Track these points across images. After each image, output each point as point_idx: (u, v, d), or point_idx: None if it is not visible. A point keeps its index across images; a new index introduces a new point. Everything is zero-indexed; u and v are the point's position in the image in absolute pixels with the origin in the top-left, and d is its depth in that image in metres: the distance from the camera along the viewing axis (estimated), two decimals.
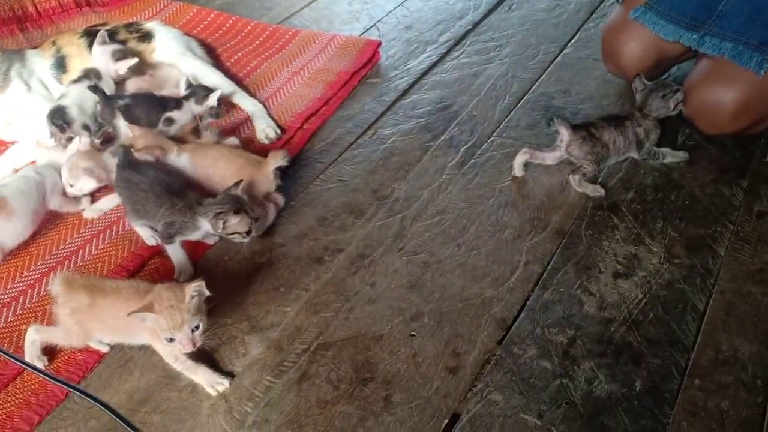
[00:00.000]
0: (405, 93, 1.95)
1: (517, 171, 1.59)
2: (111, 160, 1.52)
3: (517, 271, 1.37)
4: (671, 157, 1.62)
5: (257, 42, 2.20)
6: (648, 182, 1.58)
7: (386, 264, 1.41)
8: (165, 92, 1.83)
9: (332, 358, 1.23)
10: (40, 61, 1.81)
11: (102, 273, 1.38)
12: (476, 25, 2.26)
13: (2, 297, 1.34)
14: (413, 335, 1.26)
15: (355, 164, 1.70)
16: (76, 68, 1.80)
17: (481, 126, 1.80)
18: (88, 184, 1.51)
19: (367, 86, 2.00)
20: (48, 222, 1.51)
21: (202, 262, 1.45)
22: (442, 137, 1.77)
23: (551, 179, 1.59)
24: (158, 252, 1.44)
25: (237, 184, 1.39)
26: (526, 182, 1.60)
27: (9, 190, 1.42)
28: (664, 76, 1.85)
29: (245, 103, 1.85)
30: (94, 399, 1.04)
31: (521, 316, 1.28)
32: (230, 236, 1.36)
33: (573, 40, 2.15)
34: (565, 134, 1.54)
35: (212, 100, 1.72)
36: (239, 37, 2.23)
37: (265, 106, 1.86)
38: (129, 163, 1.45)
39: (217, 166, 1.51)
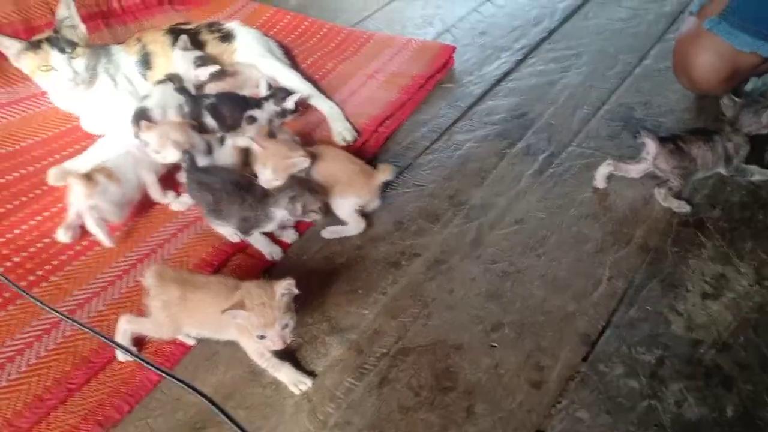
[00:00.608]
0: (480, 99, 1.93)
1: (600, 183, 1.55)
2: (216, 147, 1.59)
3: (601, 286, 1.34)
4: (760, 174, 1.56)
5: (333, 44, 2.21)
6: (735, 200, 1.52)
7: (464, 271, 1.40)
8: (245, 92, 1.86)
9: (412, 363, 1.22)
10: (125, 57, 1.85)
11: (187, 267, 1.40)
12: (552, 32, 2.22)
13: (92, 287, 1.38)
14: (494, 346, 1.24)
15: (430, 169, 1.69)
16: (160, 65, 1.85)
17: (559, 135, 1.76)
18: (172, 156, 1.53)
19: (441, 91, 1.99)
20: (135, 215, 1.55)
21: (281, 260, 1.46)
22: (519, 145, 1.74)
23: (634, 192, 1.55)
24: (241, 249, 1.46)
25: (302, 170, 1.45)
26: (607, 194, 1.56)
27: (112, 162, 1.52)
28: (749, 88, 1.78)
29: (322, 104, 1.86)
30: (190, 386, 1.06)
31: (606, 332, 1.24)
32: (308, 215, 1.39)
33: (652, 51, 2.09)
34: (652, 147, 1.49)
35: (290, 102, 1.74)
36: (315, 39, 2.24)
37: (341, 109, 1.86)
38: (197, 166, 1.49)
39: (331, 169, 1.51)
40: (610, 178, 1.56)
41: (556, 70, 2.03)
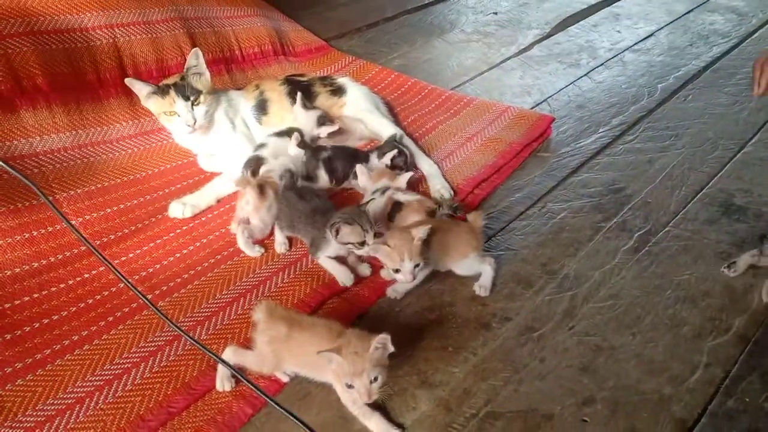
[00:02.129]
0: (576, 170, 1.94)
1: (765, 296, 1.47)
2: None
3: (698, 372, 1.29)
4: None
5: (433, 105, 2.28)
6: None
7: (556, 341, 1.38)
8: (350, 144, 1.94)
9: (501, 429, 1.20)
10: (244, 102, 1.97)
11: (285, 306, 1.45)
12: (651, 111, 2.22)
13: (197, 315, 1.44)
14: (585, 421, 1.21)
15: (523, 235, 1.70)
16: (275, 112, 1.96)
17: (656, 214, 1.74)
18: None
19: (537, 159, 2.01)
20: (240, 251, 1.63)
21: (374, 310, 1.48)
22: (615, 220, 1.73)
23: (734, 280, 1.51)
24: (337, 292, 1.50)
25: (368, 202, 1.56)
26: (705, 279, 1.52)
27: (275, 174, 1.68)
28: None
29: (422, 162, 1.92)
30: (294, 415, 1.09)
31: (703, 420, 1.20)
32: (346, 247, 1.48)
33: (754, 139, 2.06)
34: None
35: (387, 158, 1.81)
36: (416, 99, 2.33)
37: (439, 167, 1.91)
38: (294, 185, 1.64)
39: (440, 238, 1.51)
40: (704, 260, 1.53)
41: (653, 149, 2.02)
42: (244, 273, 1.56)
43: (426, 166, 1.90)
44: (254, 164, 1.75)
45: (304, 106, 1.93)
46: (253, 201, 1.62)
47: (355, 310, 1.47)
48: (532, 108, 2.29)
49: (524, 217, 1.76)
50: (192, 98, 1.77)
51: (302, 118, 1.91)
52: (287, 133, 1.86)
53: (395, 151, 1.81)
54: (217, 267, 1.59)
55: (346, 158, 1.79)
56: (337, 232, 1.46)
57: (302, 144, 1.80)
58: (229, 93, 1.99)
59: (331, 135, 1.92)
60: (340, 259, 1.55)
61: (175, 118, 1.78)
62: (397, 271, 1.41)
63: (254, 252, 1.60)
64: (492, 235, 1.69)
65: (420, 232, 1.40)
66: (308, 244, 1.57)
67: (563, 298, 1.49)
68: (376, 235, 1.48)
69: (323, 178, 1.78)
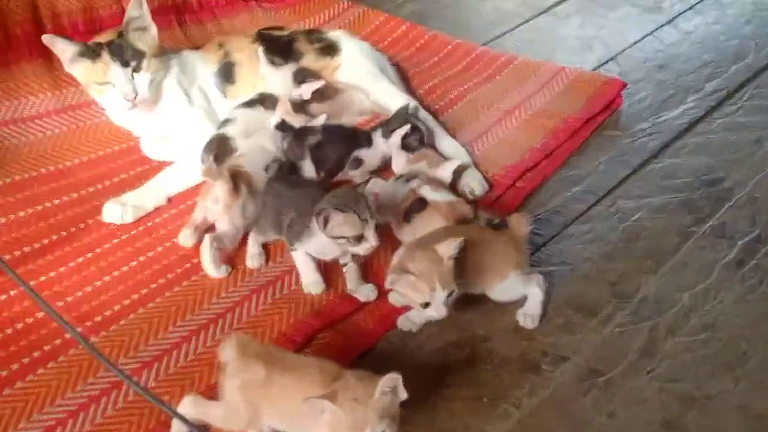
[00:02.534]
0: (656, 155, 1.96)
1: None
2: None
3: None
4: None
5: (459, 66, 2.31)
6: None
7: (630, 388, 1.40)
8: (345, 120, 1.97)
9: None
10: (202, 66, 2.00)
11: (262, 342, 1.47)
12: (759, 72, 2.24)
13: (142, 355, 1.46)
14: None
15: (584, 243, 1.72)
16: (244, 80, 1.99)
17: (767, 214, 1.76)
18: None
19: (602, 140, 2.03)
20: (199, 267, 1.65)
21: (382, 346, 1.50)
22: (710, 222, 1.75)
23: None
24: (331, 324, 1.53)
25: (366, 181, 1.56)
26: None
27: (251, 167, 1.70)
28: None
29: (444, 144, 1.94)
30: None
31: None
32: (338, 242, 1.48)
33: None
34: None
35: (396, 137, 1.83)
36: (436, 58, 2.35)
37: (468, 151, 1.93)
38: (283, 177, 1.69)
39: (474, 255, 1.52)
40: None
41: (763, 125, 2.04)
42: (205, 297, 1.58)
43: (450, 149, 1.92)
44: (217, 146, 1.78)
45: (271, 62, 1.96)
46: (224, 198, 1.64)
47: (355, 345, 1.49)
48: (595, 69, 2.31)
49: (585, 219, 1.78)
50: (133, 63, 1.79)
51: (274, 80, 1.94)
52: (260, 101, 1.89)
53: (407, 127, 1.83)
54: (168, 289, 1.61)
55: (341, 142, 1.81)
56: (326, 221, 1.46)
57: (282, 125, 1.82)
58: (183, 54, 2.02)
59: (318, 99, 1.94)
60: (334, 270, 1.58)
61: (109, 88, 1.80)
62: (426, 305, 1.41)
63: (220, 272, 1.63)
64: (541, 245, 1.71)
65: (450, 249, 1.39)
66: (284, 233, 1.60)
67: (639, 330, 1.51)
68: (377, 227, 1.49)
69: (308, 170, 1.80)
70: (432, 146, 1.91)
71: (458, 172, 1.81)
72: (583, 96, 2.12)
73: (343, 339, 1.50)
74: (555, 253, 1.69)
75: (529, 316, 1.52)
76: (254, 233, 1.68)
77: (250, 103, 1.89)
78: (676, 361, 1.44)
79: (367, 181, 1.58)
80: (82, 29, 2.08)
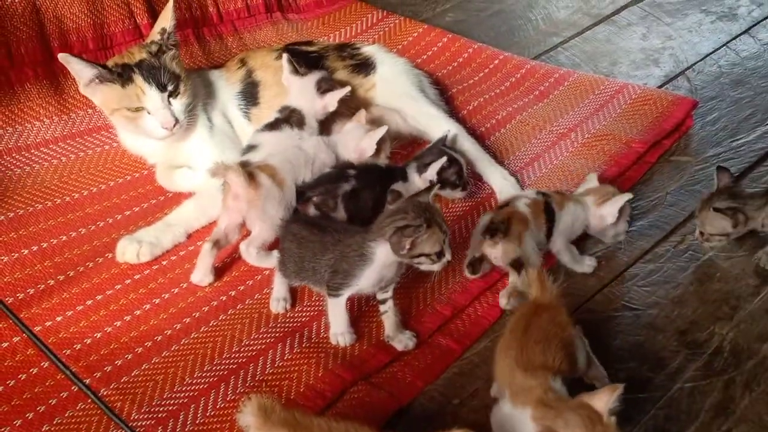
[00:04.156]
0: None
1: None
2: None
3: None
4: None
5: (507, 84, 2.33)
6: None
7: None
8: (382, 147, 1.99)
9: None
10: (225, 87, 2.04)
11: (288, 396, 1.49)
12: None
13: (156, 411, 1.48)
14: None
15: (650, 285, 1.72)
16: (270, 101, 2.02)
17: None
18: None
19: (671, 167, 2.04)
20: (220, 309, 1.69)
21: (422, 401, 1.51)
22: None
23: None
24: (365, 376, 1.54)
25: (428, 189, 1.55)
26: None
27: (277, 160, 1.76)
28: None
29: (492, 173, 1.96)
30: None
31: None
32: (415, 261, 1.49)
33: None
34: None
35: (431, 172, 1.83)
36: (481, 74, 2.38)
37: (518, 181, 1.95)
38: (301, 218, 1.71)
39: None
40: None
41: None
42: (225, 345, 1.61)
43: (498, 178, 1.94)
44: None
45: (295, 71, 1.96)
46: (244, 191, 1.66)
47: (392, 401, 1.50)
48: (661, 86, 2.31)
49: (651, 256, 1.79)
50: (170, 87, 1.81)
51: (296, 90, 1.94)
52: (285, 120, 1.90)
53: (443, 160, 1.83)
54: (185, 336, 1.64)
55: (378, 184, 1.80)
56: (409, 239, 1.44)
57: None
58: (205, 74, 2.06)
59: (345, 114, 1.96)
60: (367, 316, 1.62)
61: (142, 115, 1.82)
62: None
63: (205, 281, 1.72)
64: (600, 288, 1.72)
65: (610, 400, 1.21)
66: (327, 278, 1.57)
67: (713, 385, 1.50)
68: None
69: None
70: (474, 177, 1.94)
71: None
72: (649, 117, 2.13)
73: (378, 394, 1.51)
74: (616, 296, 1.70)
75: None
76: (279, 274, 1.69)
77: (273, 125, 1.90)
78: (755, 423, 1.43)
79: (430, 188, 1.56)
80: (92, 46, 2.13)
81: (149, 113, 1.82)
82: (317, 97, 1.94)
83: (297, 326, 1.65)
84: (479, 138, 2.09)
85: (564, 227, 1.73)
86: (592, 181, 1.82)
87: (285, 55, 1.99)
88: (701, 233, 1.73)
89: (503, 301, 1.65)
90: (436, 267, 1.50)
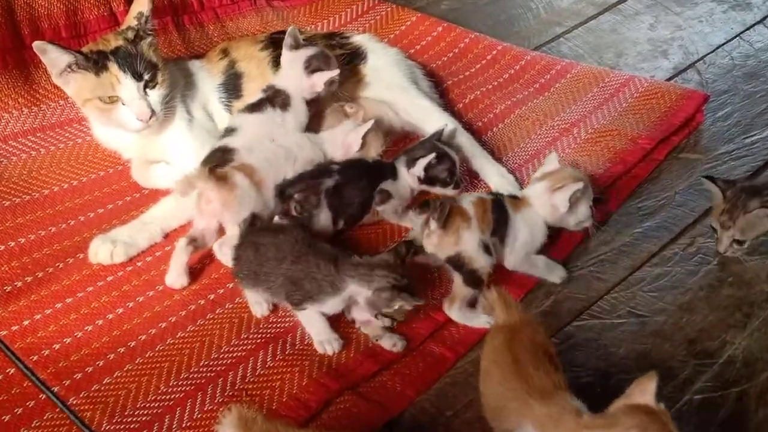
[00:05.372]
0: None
1: None
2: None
3: None
4: None
5: (506, 76, 2.32)
6: None
7: None
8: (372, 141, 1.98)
9: None
10: (206, 78, 2.03)
11: (270, 406, 1.48)
12: None
13: (128, 421, 1.47)
14: None
15: (657, 290, 1.71)
16: (254, 95, 1.98)
17: None
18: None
19: (679, 164, 2.03)
20: (198, 314, 1.67)
21: (413, 412, 1.50)
22: None
23: None
24: (352, 385, 1.52)
25: (406, 246, 1.58)
26: None
27: (255, 158, 1.77)
28: None
29: (489, 171, 1.95)
30: None
31: None
32: (382, 318, 1.56)
33: None
34: None
35: (418, 168, 1.82)
36: (478, 66, 2.37)
37: (516, 179, 1.94)
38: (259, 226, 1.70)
39: None
40: None
41: None
42: (204, 351, 1.60)
43: (494, 176, 1.94)
44: (218, 161, 1.78)
45: (294, 45, 1.95)
46: (216, 195, 1.66)
47: (381, 412, 1.48)
48: (670, 79, 2.31)
49: (659, 260, 1.78)
50: (146, 76, 1.80)
51: (287, 65, 1.95)
52: (269, 100, 1.90)
53: (432, 156, 1.82)
54: (160, 341, 1.62)
55: (365, 180, 1.80)
56: (398, 302, 1.50)
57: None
58: (186, 64, 2.05)
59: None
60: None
61: (116, 106, 1.81)
62: None
63: (179, 283, 1.71)
64: (605, 292, 1.70)
65: (652, 389, 1.18)
66: (284, 295, 1.60)
67: (725, 398, 1.49)
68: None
69: (324, 221, 1.78)
70: (468, 173, 1.93)
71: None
72: (657, 111, 2.12)
73: (366, 404, 1.49)
74: (622, 303, 1.69)
75: None
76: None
77: (255, 107, 1.89)
78: None
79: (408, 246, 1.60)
80: (65, 34, 2.12)
81: (124, 104, 1.80)
82: (304, 75, 1.93)
83: (280, 332, 1.63)
84: (476, 133, 2.08)
85: (523, 240, 1.70)
86: (552, 163, 1.76)
87: (290, 28, 1.97)
88: (737, 242, 1.69)
89: (446, 306, 1.65)
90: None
